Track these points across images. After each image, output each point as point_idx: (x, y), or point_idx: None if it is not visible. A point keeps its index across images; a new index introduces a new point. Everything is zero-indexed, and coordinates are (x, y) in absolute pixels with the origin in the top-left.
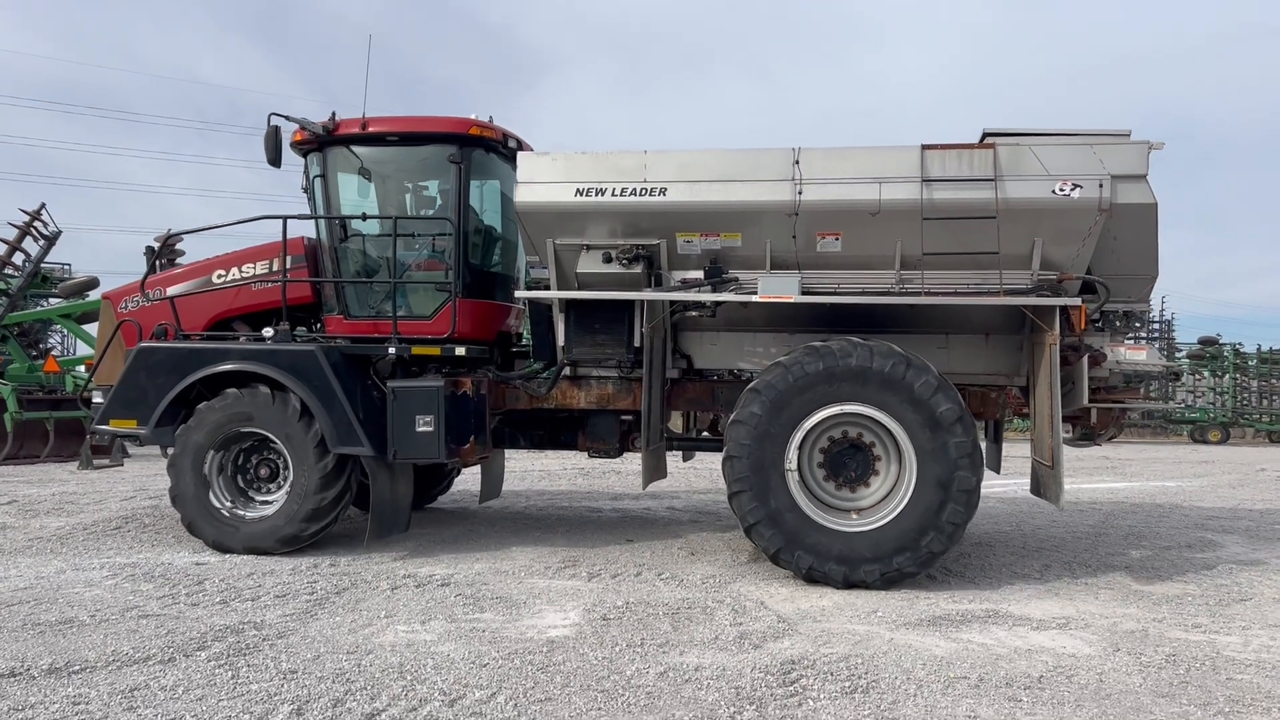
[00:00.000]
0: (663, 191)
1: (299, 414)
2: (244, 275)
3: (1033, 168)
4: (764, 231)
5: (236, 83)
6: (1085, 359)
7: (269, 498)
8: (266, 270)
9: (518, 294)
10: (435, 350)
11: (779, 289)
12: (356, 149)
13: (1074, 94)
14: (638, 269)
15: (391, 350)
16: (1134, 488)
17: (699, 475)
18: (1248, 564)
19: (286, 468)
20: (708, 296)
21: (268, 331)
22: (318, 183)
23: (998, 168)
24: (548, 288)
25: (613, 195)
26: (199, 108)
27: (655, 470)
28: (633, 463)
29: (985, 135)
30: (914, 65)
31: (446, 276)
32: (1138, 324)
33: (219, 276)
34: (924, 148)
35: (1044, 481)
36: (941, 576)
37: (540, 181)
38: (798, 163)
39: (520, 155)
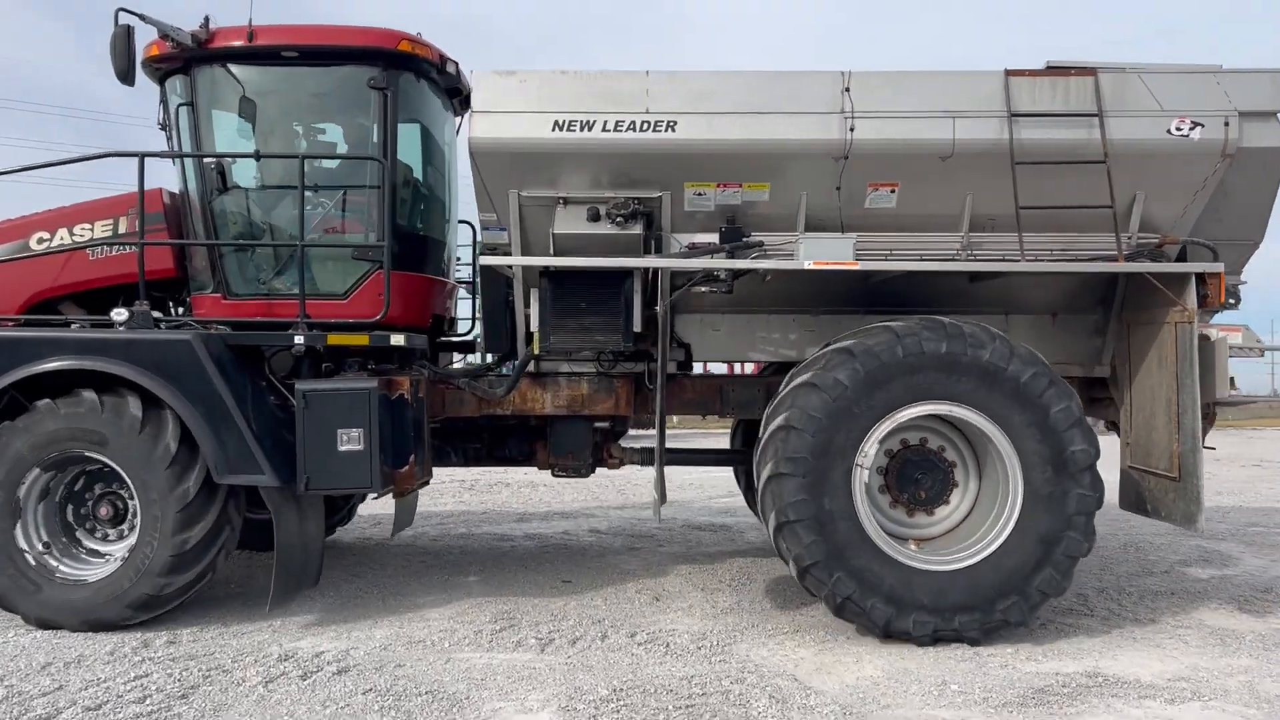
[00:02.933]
0: (671, 126)
1: (139, 425)
2: (77, 239)
3: (1143, 101)
4: (800, 180)
5: (35, 58)
6: (1225, 341)
7: (107, 548)
8: (110, 233)
9: (482, 260)
10: (363, 339)
11: (830, 253)
12: (237, 69)
13: None
14: (636, 229)
15: (299, 340)
16: None
17: (603, 488)
18: None
19: (132, 497)
20: (742, 264)
21: (119, 314)
22: (183, 115)
23: (1101, 101)
24: (508, 253)
25: (604, 130)
26: None
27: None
28: (524, 474)
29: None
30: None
31: (367, 239)
32: (1231, 301)
33: (40, 241)
34: (1008, 73)
35: (1159, 498)
36: None
37: (505, 111)
38: (848, 90)
39: (477, 75)
